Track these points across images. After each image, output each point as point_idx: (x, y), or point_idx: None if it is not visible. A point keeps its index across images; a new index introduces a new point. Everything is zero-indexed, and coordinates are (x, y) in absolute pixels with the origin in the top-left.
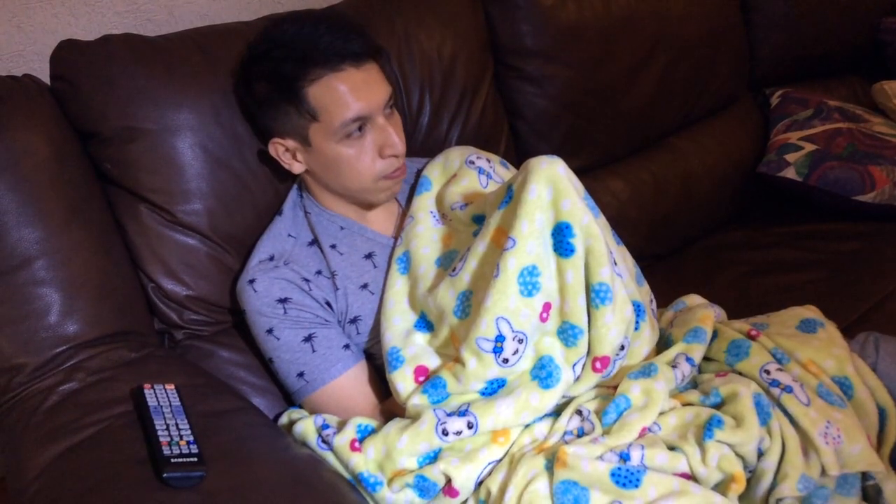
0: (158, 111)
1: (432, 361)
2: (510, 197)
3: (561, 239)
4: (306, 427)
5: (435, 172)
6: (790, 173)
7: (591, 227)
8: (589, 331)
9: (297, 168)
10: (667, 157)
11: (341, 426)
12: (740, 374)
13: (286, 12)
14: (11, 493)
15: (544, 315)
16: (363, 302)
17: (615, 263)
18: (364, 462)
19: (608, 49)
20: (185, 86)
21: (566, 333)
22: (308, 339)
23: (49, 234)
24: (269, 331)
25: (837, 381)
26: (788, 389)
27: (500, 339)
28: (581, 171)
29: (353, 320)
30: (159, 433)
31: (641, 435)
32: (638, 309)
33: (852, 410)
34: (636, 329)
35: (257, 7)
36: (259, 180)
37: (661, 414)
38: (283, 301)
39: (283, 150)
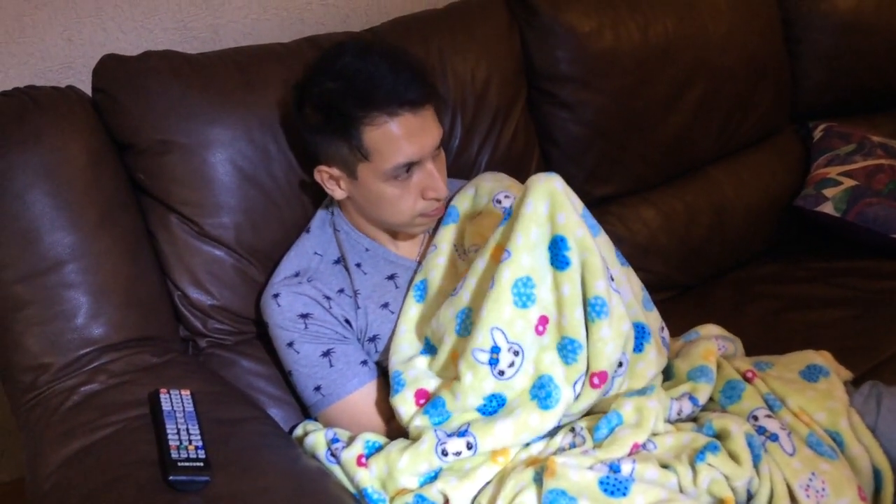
0: (192, 126)
1: (432, 384)
2: (509, 214)
3: (556, 252)
4: (317, 440)
5: (465, 205)
6: (828, 208)
7: (585, 241)
8: (587, 346)
9: (339, 194)
10: (701, 187)
11: (351, 440)
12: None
13: (346, 39)
14: (28, 487)
15: (540, 328)
16: (382, 321)
17: (612, 279)
18: (368, 478)
19: (644, 77)
20: (220, 102)
21: (565, 349)
22: (326, 353)
23: (81, 240)
24: (290, 344)
25: (829, 435)
26: (774, 438)
27: (495, 349)
28: (612, 198)
29: (372, 338)
30: (170, 437)
31: (633, 451)
32: (642, 331)
33: (844, 463)
34: (639, 351)
35: (300, 28)
36: (287, 197)
37: (658, 435)
38: (304, 316)
39: (327, 176)
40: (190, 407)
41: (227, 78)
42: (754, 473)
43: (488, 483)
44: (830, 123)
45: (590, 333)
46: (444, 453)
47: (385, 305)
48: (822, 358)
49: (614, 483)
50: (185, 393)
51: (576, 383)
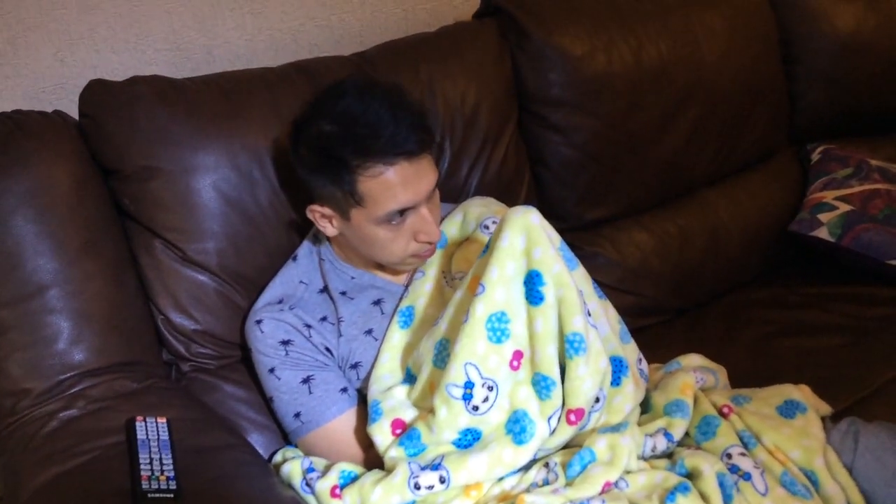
0: (177, 152)
1: (409, 414)
2: (488, 247)
3: (531, 287)
4: (293, 469)
5: (452, 230)
6: (822, 233)
7: (562, 276)
8: (563, 382)
9: (330, 231)
10: (695, 210)
11: (327, 470)
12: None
13: (350, 80)
14: None
15: (515, 363)
16: (365, 348)
17: (589, 314)
18: None
19: (637, 100)
20: (205, 128)
21: (539, 385)
22: (306, 380)
23: (63, 265)
24: (271, 370)
25: (804, 473)
26: (747, 477)
27: (468, 385)
28: (604, 221)
29: (354, 366)
30: (142, 467)
31: (605, 490)
32: (619, 364)
33: (819, 502)
34: (616, 384)
35: (294, 49)
36: (271, 223)
37: (630, 473)
38: (285, 343)
39: (319, 215)
40: (165, 435)
41: (213, 104)
42: None
43: None
44: (829, 146)
45: (567, 370)
46: (417, 486)
47: (369, 332)
48: (800, 393)
49: None
50: (161, 420)
51: (550, 418)
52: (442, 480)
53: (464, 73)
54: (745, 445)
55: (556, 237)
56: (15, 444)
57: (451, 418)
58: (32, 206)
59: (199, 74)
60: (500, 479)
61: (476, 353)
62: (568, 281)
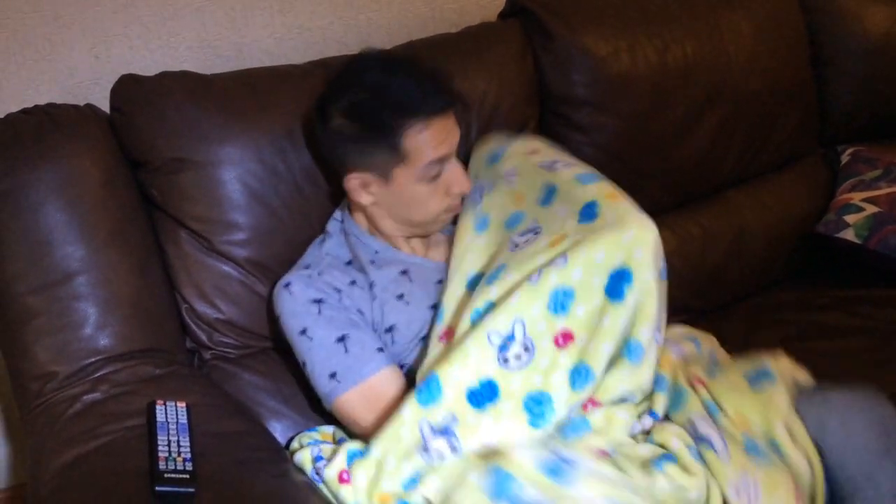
0: (205, 145)
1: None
2: (589, 211)
3: (617, 283)
4: (304, 457)
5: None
6: (849, 235)
7: (650, 285)
8: (602, 377)
9: (365, 199)
10: (719, 211)
11: (333, 456)
12: (675, 423)
13: (366, 54)
14: (29, 491)
15: (560, 341)
16: (399, 312)
17: (659, 330)
18: (353, 493)
19: (661, 100)
20: (232, 123)
21: (577, 374)
22: (342, 339)
23: (91, 253)
24: (303, 331)
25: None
26: (707, 440)
27: (510, 338)
28: None
29: (390, 329)
30: (159, 448)
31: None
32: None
33: (780, 466)
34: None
35: (322, 47)
36: (293, 216)
37: (621, 446)
38: (317, 301)
39: (358, 183)
40: (184, 419)
41: (240, 99)
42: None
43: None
44: (858, 148)
45: (612, 369)
46: (426, 450)
47: (400, 297)
48: (774, 361)
49: (561, 470)
50: (181, 405)
51: (573, 407)
52: (453, 449)
53: (484, 73)
54: (710, 414)
55: (661, 259)
56: (41, 426)
57: (480, 361)
58: (62, 196)
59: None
60: None
61: (530, 313)
62: (654, 291)
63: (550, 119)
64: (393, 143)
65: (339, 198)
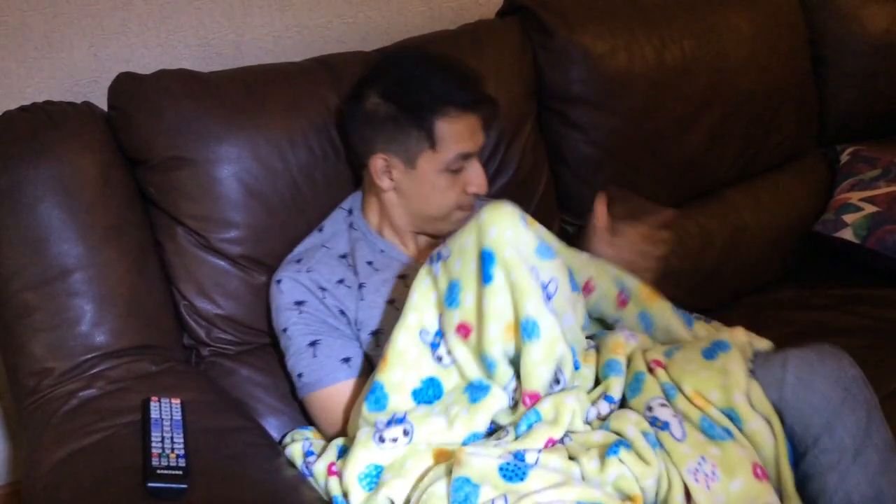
0: (201, 143)
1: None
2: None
3: (483, 265)
4: (294, 451)
5: None
6: (847, 234)
7: (512, 261)
8: (520, 365)
9: (385, 184)
10: (717, 210)
11: (324, 450)
12: (633, 409)
13: (406, 46)
14: (24, 487)
15: (462, 332)
16: (387, 316)
17: (549, 299)
18: (337, 486)
19: (658, 99)
20: (229, 121)
21: (485, 362)
22: (313, 343)
23: (88, 250)
24: (285, 329)
25: (725, 413)
26: (665, 426)
27: (438, 334)
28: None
29: (375, 332)
30: (153, 444)
31: (547, 446)
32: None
33: (740, 442)
34: (577, 369)
35: (321, 45)
36: (290, 213)
37: (574, 433)
38: (299, 304)
39: (382, 164)
40: (178, 415)
41: (236, 97)
42: (661, 473)
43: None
44: (858, 147)
45: (522, 355)
46: (381, 440)
47: (391, 302)
48: (730, 334)
49: (513, 469)
50: (176, 401)
51: (506, 387)
52: (406, 433)
53: (482, 71)
54: (667, 397)
55: (541, 230)
56: (37, 422)
57: (418, 362)
58: (59, 193)
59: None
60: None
61: (433, 312)
62: (519, 265)
63: (548, 117)
64: (426, 127)
65: (345, 192)
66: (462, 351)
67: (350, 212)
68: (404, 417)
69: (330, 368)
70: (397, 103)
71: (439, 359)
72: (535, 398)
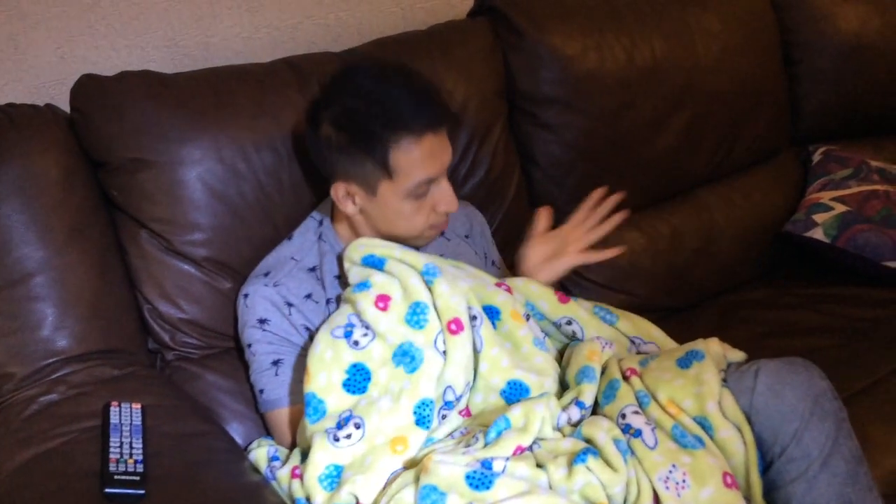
0: (164, 144)
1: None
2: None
3: (372, 262)
4: (258, 456)
5: None
6: (817, 234)
7: (389, 250)
8: (434, 306)
9: (350, 210)
10: (689, 210)
11: (288, 458)
12: (607, 416)
13: (361, 60)
14: None
15: (381, 305)
16: None
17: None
18: (301, 489)
19: (629, 99)
20: (191, 121)
21: (414, 315)
22: (276, 363)
23: (49, 254)
24: (249, 345)
25: (698, 421)
26: (637, 434)
27: (349, 325)
28: None
29: None
30: (111, 450)
31: (516, 453)
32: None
33: (711, 451)
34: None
35: (291, 46)
36: (256, 215)
37: (544, 440)
38: (262, 321)
39: (343, 192)
40: (138, 420)
41: (200, 98)
42: (630, 480)
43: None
44: (830, 147)
45: (433, 295)
46: (336, 439)
47: None
48: (705, 344)
49: (480, 477)
50: (136, 406)
51: (436, 341)
52: (357, 426)
53: (452, 71)
54: (641, 404)
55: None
56: None
57: (337, 356)
58: (20, 196)
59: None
60: (423, 429)
61: (352, 299)
62: (392, 251)
63: (519, 117)
64: (380, 158)
65: (316, 197)
66: (386, 319)
67: (321, 223)
68: (350, 414)
69: (291, 389)
70: (349, 133)
71: (356, 343)
72: (460, 324)
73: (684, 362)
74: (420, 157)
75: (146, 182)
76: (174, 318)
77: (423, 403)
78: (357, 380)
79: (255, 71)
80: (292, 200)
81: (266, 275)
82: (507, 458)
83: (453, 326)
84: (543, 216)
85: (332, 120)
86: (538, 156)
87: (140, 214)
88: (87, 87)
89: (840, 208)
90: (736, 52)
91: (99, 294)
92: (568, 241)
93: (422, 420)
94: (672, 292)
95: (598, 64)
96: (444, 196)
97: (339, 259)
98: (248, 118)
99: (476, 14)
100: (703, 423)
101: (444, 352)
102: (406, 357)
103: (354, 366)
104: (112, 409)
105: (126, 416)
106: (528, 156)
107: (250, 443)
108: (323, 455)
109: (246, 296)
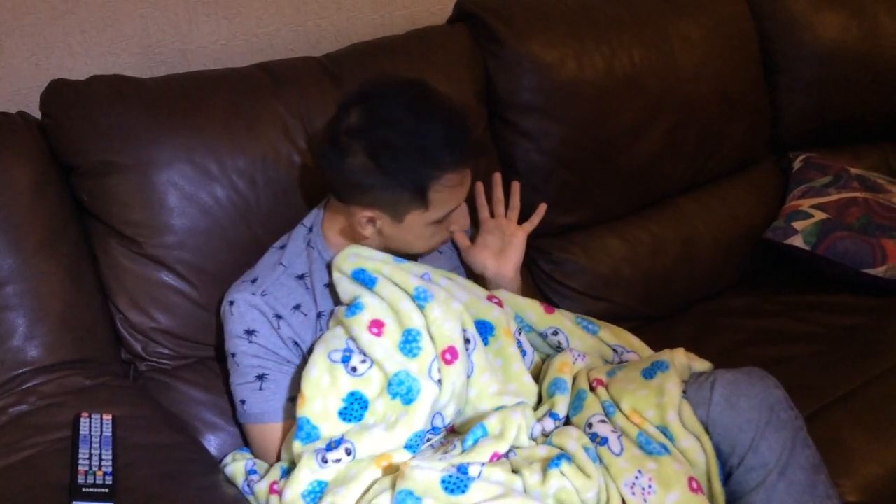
0: (133, 146)
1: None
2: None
3: (363, 279)
4: (235, 470)
5: None
6: (797, 241)
7: (376, 264)
8: (428, 331)
9: (367, 232)
10: (669, 218)
11: (268, 471)
12: (575, 425)
13: (385, 83)
14: None
15: (375, 330)
16: None
17: (430, 279)
18: (279, 503)
19: (608, 107)
20: (161, 124)
21: (407, 344)
22: (261, 377)
23: (20, 263)
24: (233, 355)
25: (660, 430)
26: (604, 441)
27: (347, 350)
28: (575, 227)
29: None
30: (80, 462)
31: (492, 460)
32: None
33: (676, 457)
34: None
35: (269, 53)
36: (230, 217)
37: (520, 448)
38: (249, 332)
39: (366, 219)
40: (108, 431)
41: (170, 101)
42: (601, 487)
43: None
44: (811, 154)
45: (426, 321)
46: (324, 461)
47: None
48: (667, 354)
49: (455, 482)
50: (107, 417)
51: (430, 370)
52: (348, 452)
53: (431, 77)
54: (607, 414)
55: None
56: None
57: (334, 383)
58: None
59: None
60: (411, 452)
61: (347, 324)
62: (383, 267)
63: (498, 125)
64: (419, 191)
65: (288, 197)
66: (381, 346)
67: (311, 229)
68: (342, 438)
69: (274, 405)
70: (389, 168)
71: (354, 370)
72: (455, 353)
73: (649, 373)
74: (456, 190)
75: (117, 185)
76: (146, 327)
77: (416, 435)
78: (354, 409)
79: (227, 75)
80: (268, 202)
81: (253, 282)
82: (483, 464)
83: (448, 356)
84: (459, 238)
85: (367, 150)
86: (518, 163)
87: (111, 218)
88: (58, 92)
89: (820, 216)
90: (716, 59)
91: (71, 303)
92: (500, 227)
93: (410, 447)
94: (652, 300)
95: (578, 72)
96: (460, 216)
97: (329, 267)
98: (220, 121)
99: (455, 21)
100: (665, 433)
101: (440, 380)
102: (402, 387)
103: (352, 394)
104: (82, 419)
105: (96, 427)
106: (508, 163)
107: (225, 456)
108: (308, 473)
109: (232, 303)
